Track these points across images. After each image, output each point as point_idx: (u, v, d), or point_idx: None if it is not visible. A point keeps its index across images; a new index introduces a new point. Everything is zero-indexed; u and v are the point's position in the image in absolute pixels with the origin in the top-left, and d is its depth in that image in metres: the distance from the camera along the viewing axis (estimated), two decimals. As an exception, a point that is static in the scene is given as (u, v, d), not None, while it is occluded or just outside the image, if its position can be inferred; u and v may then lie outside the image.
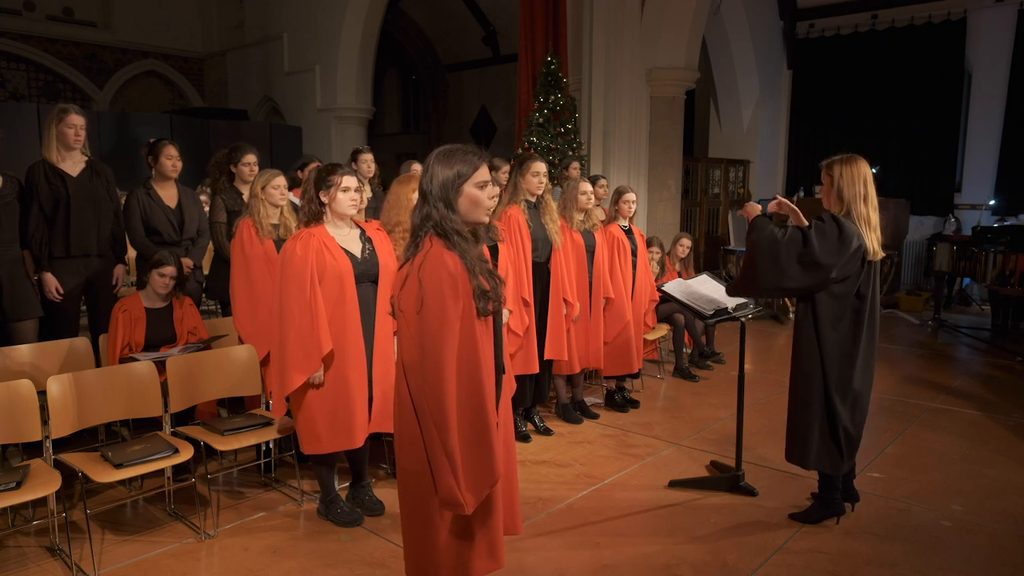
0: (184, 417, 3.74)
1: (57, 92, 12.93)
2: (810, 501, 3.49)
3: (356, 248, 3.18)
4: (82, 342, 3.87)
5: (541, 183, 4.29)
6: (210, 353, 3.70)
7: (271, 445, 3.85)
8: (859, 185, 3.16)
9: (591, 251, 4.66)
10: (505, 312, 3.87)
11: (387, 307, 3.14)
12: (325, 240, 3.10)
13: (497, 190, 3.81)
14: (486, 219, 2.10)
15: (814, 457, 3.26)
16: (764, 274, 3.17)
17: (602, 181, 5.67)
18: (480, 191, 2.05)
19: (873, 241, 3.15)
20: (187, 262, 4.34)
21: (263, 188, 3.82)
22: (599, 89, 8.47)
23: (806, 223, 3.26)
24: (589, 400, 5.09)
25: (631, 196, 5.01)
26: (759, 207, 3.40)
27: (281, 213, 3.90)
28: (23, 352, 3.66)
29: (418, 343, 1.95)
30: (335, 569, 2.97)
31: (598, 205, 5.40)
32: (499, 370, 2.16)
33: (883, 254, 3.22)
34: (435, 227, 2.01)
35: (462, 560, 2.10)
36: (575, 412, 4.87)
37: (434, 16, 14.66)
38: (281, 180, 3.87)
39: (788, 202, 3.42)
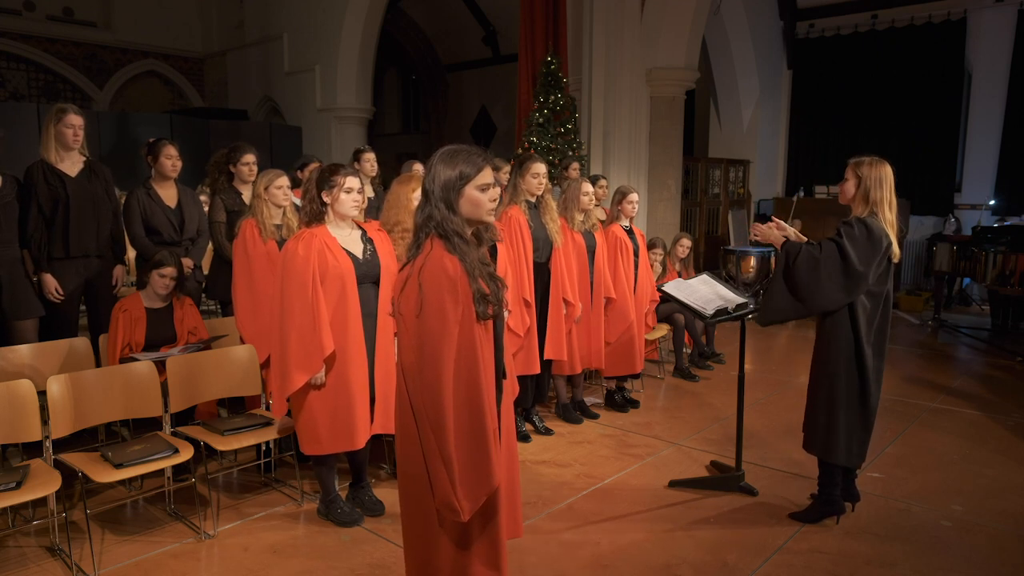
0: (184, 417, 3.74)
1: (57, 92, 12.93)
2: (810, 501, 3.49)
3: (358, 249, 3.18)
4: (82, 342, 3.87)
5: (541, 184, 4.29)
6: (210, 353, 3.70)
7: (271, 445, 3.85)
8: (886, 190, 3.20)
9: (591, 251, 4.65)
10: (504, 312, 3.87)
11: (389, 308, 3.13)
12: (327, 240, 3.10)
13: (499, 191, 3.81)
14: (491, 219, 2.08)
15: (844, 452, 3.26)
16: (810, 296, 3.17)
17: (602, 182, 5.67)
18: (482, 193, 2.03)
19: (894, 244, 3.20)
20: (187, 262, 4.34)
21: (266, 188, 3.82)
22: (599, 89, 8.47)
23: (804, 239, 3.28)
24: (589, 400, 5.09)
25: (635, 196, 5.01)
26: (775, 231, 3.36)
27: (284, 214, 3.90)
28: (23, 352, 3.66)
29: (417, 346, 1.95)
30: (335, 569, 2.97)
31: (598, 205, 5.40)
32: (499, 375, 2.15)
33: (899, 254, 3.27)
34: (436, 228, 2.00)
35: (462, 565, 2.09)
36: (575, 412, 4.86)
37: (434, 16, 14.66)
38: (284, 180, 3.87)
39: (782, 223, 3.39)
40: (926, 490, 3.76)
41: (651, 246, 5.82)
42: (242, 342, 3.84)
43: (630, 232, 5.02)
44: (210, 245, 4.65)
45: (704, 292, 3.90)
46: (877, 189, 3.19)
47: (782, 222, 3.40)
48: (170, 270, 3.85)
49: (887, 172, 3.22)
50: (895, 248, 3.19)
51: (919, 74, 9.96)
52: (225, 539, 3.22)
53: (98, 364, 3.82)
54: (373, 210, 4.95)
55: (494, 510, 2.09)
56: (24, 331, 3.91)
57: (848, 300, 3.17)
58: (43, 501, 3.16)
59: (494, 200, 2.07)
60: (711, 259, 10.23)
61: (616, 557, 3.07)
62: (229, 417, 3.73)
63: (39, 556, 3.05)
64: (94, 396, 3.23)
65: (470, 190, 2.01)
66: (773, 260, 3.47)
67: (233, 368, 3.69)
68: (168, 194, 4.44)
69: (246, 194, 4.45)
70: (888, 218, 3.19)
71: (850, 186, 3.26)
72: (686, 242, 6.38)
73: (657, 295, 5.27)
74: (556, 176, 6.25)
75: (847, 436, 3.25)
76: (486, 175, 2.03)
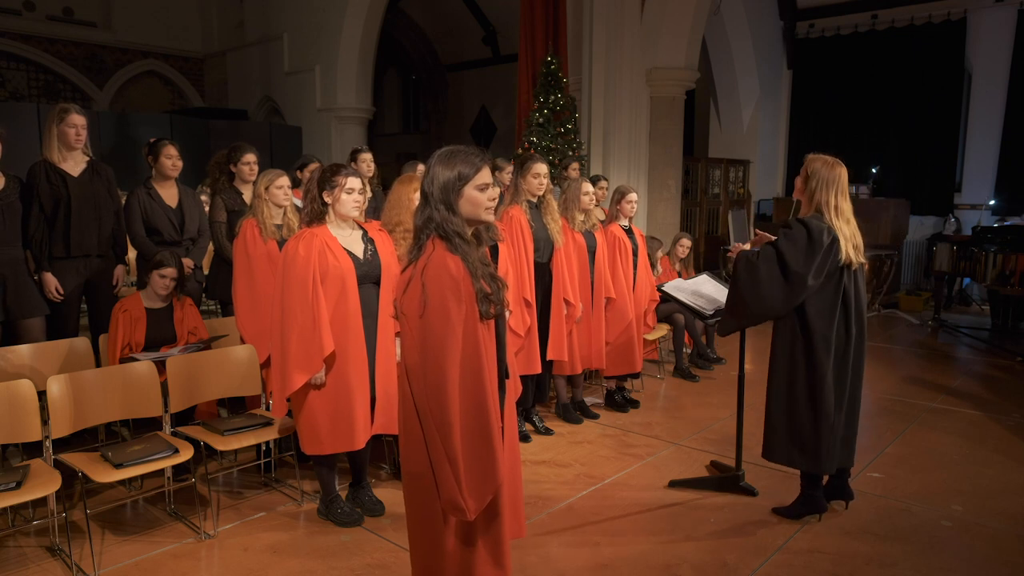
0: (184, 417, 3.74)
1: (57, 92, 12.93)
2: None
3: (358, 249, 3.18)
4: (82, 342, 3.87)
5: (542, 184, 4.29)
6: (210, 353, 3.70)
7: (271, 445, 3.85)
8: (832, 193, 3.13)
9: (592, 251, 4.66)
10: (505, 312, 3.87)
11: (390, 309, 3.13)
12: (327, 240, 3.10)
13: (498, 191, 3.80)
14: (490, 217, 2.09)
15: (799, 456, 3.27)
16: (753, 301, 3.17)
17: (602, 183, 5.67)
18: (481, 193, 2.03)
19: (848, 249, 3.13)
20: (187, 262, 4.34)
21: (267, 188, 3.82)
22: (599, 89, 8.47)
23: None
24: (589, 400, 5.09)
25: (634, 196, 5.01)
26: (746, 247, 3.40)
27: (285, 213, 3.90)
28: (23, 352, 3.66)
29: (420, 346, 1.95)
30: (335, 569, 2.97)
31: (597, 205, 5.40)
32: (502, 374, 2.15)
33: (862, 260, 3.21)
34: (437, 229, 2.00)
35: (467, 565, 2.09)
36: (575, 412, 4.86)
37: (434, 16, 14.66)
38: (285, 180, 3.87)
39: (766, 235, 3.39)
40: (926, 490, 3.76)
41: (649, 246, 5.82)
42: (242, 342, 3.84)
43: (629, 232, 5.02)
44: (211, 245, 4.65)
45: (704, 292, 3.91)
46: (823, 191, 3.13)
47: (763, 233, 3.39)
48: (170, 271, 3.85)
49: (838, 175, 3.15)
50: (850, 253, 3.12)
51: (919, 74, 9.97)
52: (225, 539, 3.22)
53: (98, 364, 3.82)
54: (371, 210, 4.95)
55: (498, 509, 2.09)
56: (31, 330, 3.91)
57: (792, 302, 3.13)
58: (43, 501, 3.16)
59: (493, 199, 2.08)
60: (711, 259, 10.23)
61: (616, 557, 3.07)
62: (229, 417, 3.73)
63: (39, 556, 3.05)
64: (94, 396, 3.23)
65: (469, 190, 2.02)
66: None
67: (233, 368, 3.69)
68: (169, 194, 4.45)
69: (247, 194, 4.45)
70: (836, 224, 3.11)
71: (799, 181, 3.25)
72: (686, 242, 6.38)
73: (657, 295, 5.27)
74: (556, 176, 6.25)
75: (801, 440, 3.24)
76: (484, 175, 2.04)
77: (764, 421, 3.39)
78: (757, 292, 3.14)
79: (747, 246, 3.39)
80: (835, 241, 3.09)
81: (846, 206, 3.17)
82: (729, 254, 3.50)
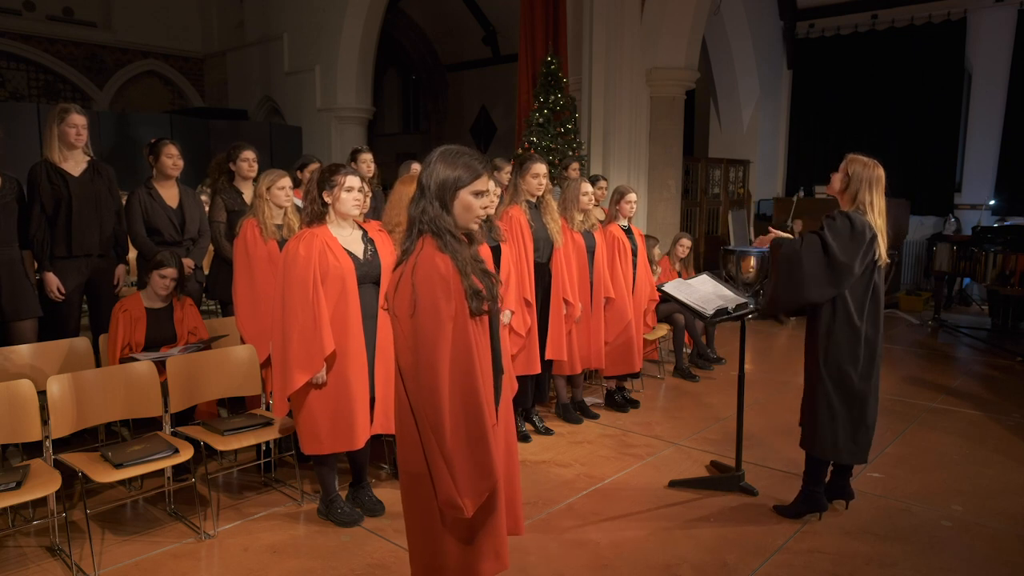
0: (184, 417, 3.74)
1: (57, 92, 12.93)
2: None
3: (359, 249, 3.18)
4: (82, 342, 3.87)
5: (541, 184, 4.29)
6: (210, 353, 3.70)
7: (271, 445, 3.85)
8: (874, 193, 3.19)
9: (591, 251, 4.66)
10: (507, 313, 3.87)
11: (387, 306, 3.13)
12: (328, 240, 3.10)
13: (495, 199, 3.80)
14: (475, 226, 2.11)
15: (831, 447, 3.28)
16: (795, 286, 3.20)
17: (601, 183, 5.67)
18: (475, 199, 2.05)
19: (883, 248, 3.19)
20: (188, 262, 4.34)
21: (268, 189, 3.82)
22: (599, 89, 8.47)
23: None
24: (589, 400, 5.09)
25: (633, 196, 5.01)
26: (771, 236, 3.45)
27: (285, 214, 3.90)
28: (23, 352, 3.66)
29: (413, 347, 1.96)
30: (335, 569, 2.97)
31: (597, 205, 5.40)
32: (497, 371, 2.16)
33: (888, 260, 3.26)
34: (430, 224, 2.01)
35: (468, 561, 2.10)
36: (575, 412, 4.87)
37: (434, 16, 14.66)
38: (286, 181, 3.87)
39: (778, 232, 3.43)
40: (926, 490, 3.76)
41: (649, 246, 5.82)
42: (242, 342, 3.84)
43: (628, 232, 5.02)
44: (211, 245, 4.65)
45: (704, 292, 3.90)
46: (866, 191, 3.19)
47: (777, 231, 3.42)
48: (170, 271, 3.84)
49: (879, 176, 3.21)
50: (882, 250, 3.19)
51: (919, 74, 9.97)
52: (225, 539, 3.22)
53: (98, 364, 3.82)
54: (371, 211, 4.94)
55: (495, 503, 2.10)
56: (23, 332, 3.91)
57: (836, 291, 3.18)
58: (43, 501, 3.16)
59: (485, 208, 2.10)
60: (711, 259, 10.22)
61: (616, 557, 3.08)
62: (229, 417, 3.73)
63: (39, 556, 3.05)
64: (94, 396, 3.23)
65: (465, 194, 2.03)
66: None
67: (233, 368, 3.69)
68: (169, 194, 4.44)
69: (247, 193, 4.45)
70: (877, 223, 3.18)
71: (837, 180, 3.27)
72: (686, 242, 6.38)
73: (657, 295, 5.27)
74: (556, 176, 6.25)
75: (833, 431, 3.27)
76: (483, 182, 2.05)
77: (803, 414, 3.39)
78: (802, 280, 3.18)
79: (769, 237, 3.41)
80: (875, 237, 3.16)
81: (883, 206, 3.23)
82: (756, 245, 3.53)
